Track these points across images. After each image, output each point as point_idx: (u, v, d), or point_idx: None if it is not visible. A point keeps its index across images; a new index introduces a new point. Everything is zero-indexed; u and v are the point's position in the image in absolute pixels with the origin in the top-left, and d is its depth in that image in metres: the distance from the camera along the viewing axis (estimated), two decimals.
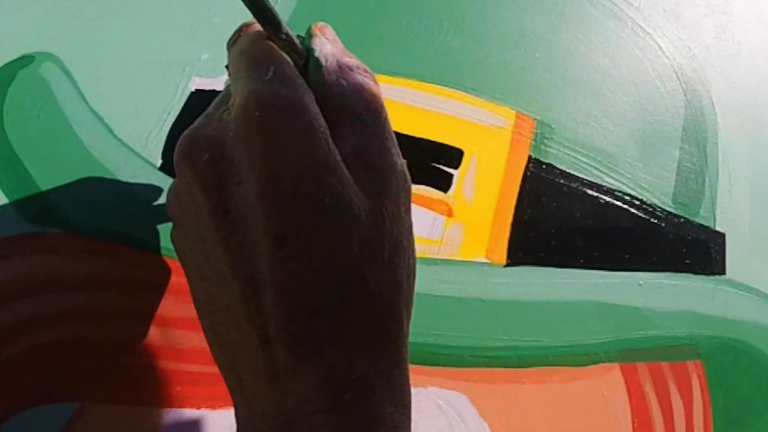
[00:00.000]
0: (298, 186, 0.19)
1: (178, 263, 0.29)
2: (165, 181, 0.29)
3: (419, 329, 0.31)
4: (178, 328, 0.29)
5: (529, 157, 0.35)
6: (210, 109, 0.23)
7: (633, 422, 0.36)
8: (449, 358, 0.32)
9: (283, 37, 0.21)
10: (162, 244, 0.29)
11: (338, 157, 0.20)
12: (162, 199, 0.29)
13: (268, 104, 0.19)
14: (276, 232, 0.19)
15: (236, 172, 0.20)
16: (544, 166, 0.36)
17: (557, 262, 0.35)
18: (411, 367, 0.22)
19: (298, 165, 0.19)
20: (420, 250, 0.33)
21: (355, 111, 0.21)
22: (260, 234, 0.19)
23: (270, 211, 0.19)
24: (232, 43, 0.23)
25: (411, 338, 0.22)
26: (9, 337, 0.27)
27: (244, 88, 0.20)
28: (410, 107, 0.33)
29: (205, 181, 0.20)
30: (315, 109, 0.20)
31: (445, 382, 0.32)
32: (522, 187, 0.35)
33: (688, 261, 0.38)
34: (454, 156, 0.34)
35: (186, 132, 0.21)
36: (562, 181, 0.36)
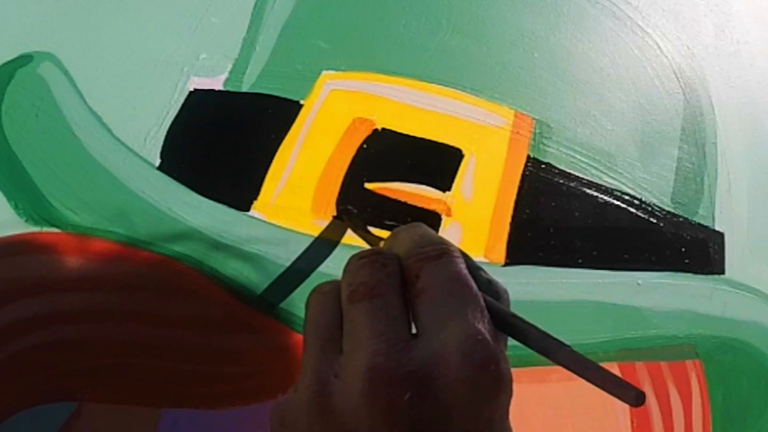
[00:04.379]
0: None
1: (178, 263, 0.29)
2: (164, 181, 0.29)
3: None
4: (178, 328, 0.29)
5: (528, 157, 0.35)
6: (392, 334, 0.21)
7: (632, 422, 0.36)
8: None
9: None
10: (162, 243, 0.29)
11: None
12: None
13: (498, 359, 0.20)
14: None
15: (438, 416, 0.19)
16: (542, 166, 0.36)
17: (556, 262, 0.35)
18: None
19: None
20: None
21: None
22: None
23: None
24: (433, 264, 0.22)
25: None
26: (9, 336, 0.27)
27: (473, 333, 0.20)
28: (409, 107, 0.33)
29: (398, 419, 0.19)
30: None
31: None
32: (521, 186, 0.35)
33: (687, 260, 0.38)
34: (452, 155, 0.34)
35: (380, 361, 0.20)
36: (560, 180, 0.36)
